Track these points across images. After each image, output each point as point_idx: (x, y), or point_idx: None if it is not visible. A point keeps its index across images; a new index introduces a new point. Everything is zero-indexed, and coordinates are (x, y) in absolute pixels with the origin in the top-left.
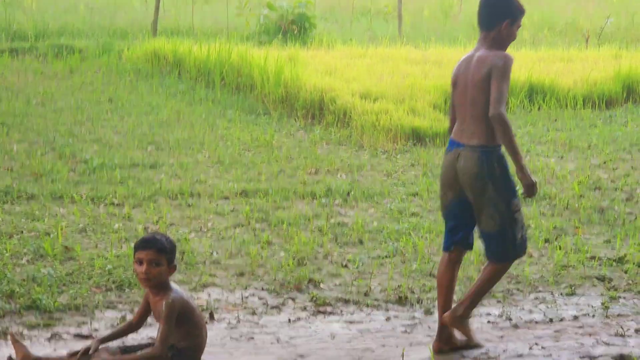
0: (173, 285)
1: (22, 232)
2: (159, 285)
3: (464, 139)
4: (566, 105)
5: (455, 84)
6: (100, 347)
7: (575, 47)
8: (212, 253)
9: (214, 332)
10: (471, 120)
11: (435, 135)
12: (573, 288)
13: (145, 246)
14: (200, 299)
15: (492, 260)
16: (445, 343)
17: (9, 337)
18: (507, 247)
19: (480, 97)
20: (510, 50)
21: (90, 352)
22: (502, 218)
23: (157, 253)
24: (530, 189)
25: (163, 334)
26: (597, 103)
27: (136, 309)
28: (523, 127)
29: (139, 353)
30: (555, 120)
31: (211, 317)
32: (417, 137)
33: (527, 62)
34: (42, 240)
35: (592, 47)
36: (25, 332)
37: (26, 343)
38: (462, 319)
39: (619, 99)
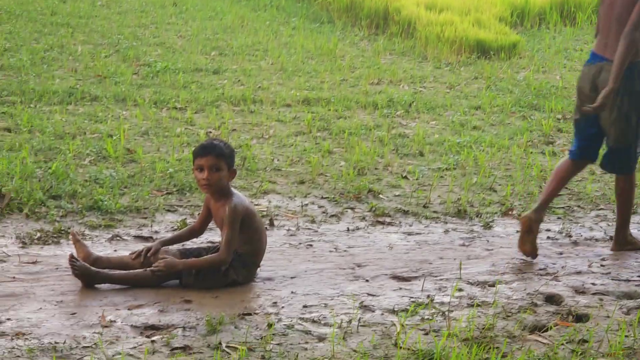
0: (234, 190)
1: (85, 133)
2: (220, 191)
3: (608, 54)
4: None
5: None
6: (160, 249)
7: None
8: (273, 160)
9: (273, 239)
10: (616, 36)
11: (500, 48)
12: (635, 207)
13: (205, 152)
14: (260, 206)
15: (618, 174)
16: (531, 245)
17: (70, 236)
18: (630, 160)
19: (627, 15)
20: None
21: (150, 253)
22: (632, 133)
23: (217, 158)
24: (598, 109)
25: (227, 239)
26: None
27: (196, 214)
28: (590, 43)
29: (203, 257)
30: None
31: (271, 223)
32: (482, 49)
33: None
34: (104, 142)
35: None
36: (87, 232)
37: (87, 243)
38: (625, 240)
39: None
